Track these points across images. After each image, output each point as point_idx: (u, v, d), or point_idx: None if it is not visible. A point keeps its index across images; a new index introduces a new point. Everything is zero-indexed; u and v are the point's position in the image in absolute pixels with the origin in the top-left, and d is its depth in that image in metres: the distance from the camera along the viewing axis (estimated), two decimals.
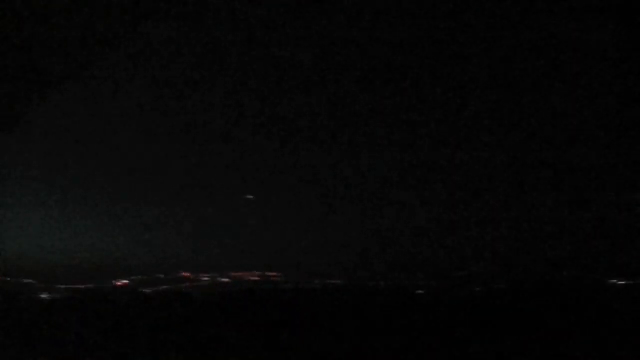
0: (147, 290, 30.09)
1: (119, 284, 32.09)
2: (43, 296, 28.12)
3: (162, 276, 31.34)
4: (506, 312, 19.48)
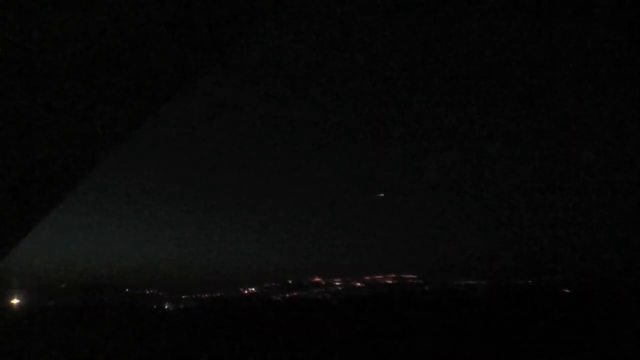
0: (277, 297, 45.98)
1: (246, 291, 51.66)
2: (166, 307, 46.28)
3: (291, 282, 54.16)
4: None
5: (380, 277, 40.75)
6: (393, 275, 40.54)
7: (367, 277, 40.77)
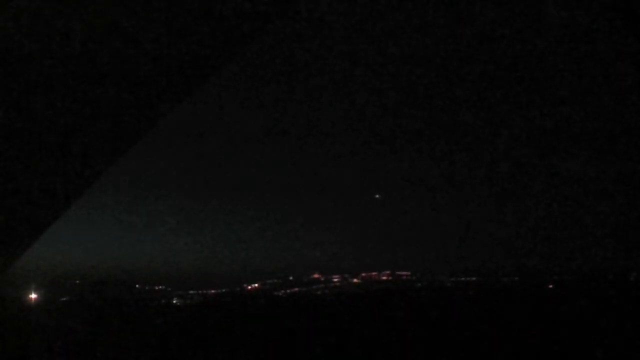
0: (279, 293, 51.00)
1: (250, 287, 55.14)
2: (174, 301, 49.91)
3: (291, 278, 56.06)
4: None
5: (375, 274, 43.72)
6: (388, 272, 43.70)
7: (363, 274, 43.58)
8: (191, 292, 42.15)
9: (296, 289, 41.10)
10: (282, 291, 40.95)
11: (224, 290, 42.11)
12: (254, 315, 33.99)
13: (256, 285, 42.21)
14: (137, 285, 43.63)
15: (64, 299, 41.87)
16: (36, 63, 3.04)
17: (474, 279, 39.99)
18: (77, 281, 43.45)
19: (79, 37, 2.85)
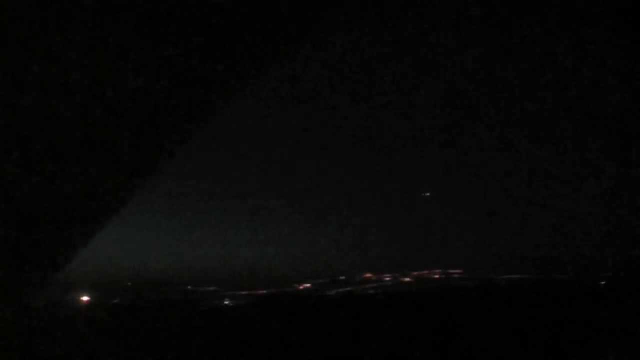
0: (331, 292, 44.17)
1: (301, 287, 49.07)
2: (226, 302, 44.55)
3: (343, 278, 48.20)
4: None
5: (426, 272, 41.11)
6: (439, 271, 40.83)
7: (414, 273, 41.09)
8: (243, 292, 40.14)
9: (348, 289, 39.92)
10: (334, 291, 39.89)
11: (275, 290, 40.82)
12: (306, 316, 33.07)
13: (307, 285, 41.56)
14: (188, 287, 42.36)
15: (116, 301, 41.37)
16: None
17: (527, 276, 38.61)
18: (129, 283, 42.18)
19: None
